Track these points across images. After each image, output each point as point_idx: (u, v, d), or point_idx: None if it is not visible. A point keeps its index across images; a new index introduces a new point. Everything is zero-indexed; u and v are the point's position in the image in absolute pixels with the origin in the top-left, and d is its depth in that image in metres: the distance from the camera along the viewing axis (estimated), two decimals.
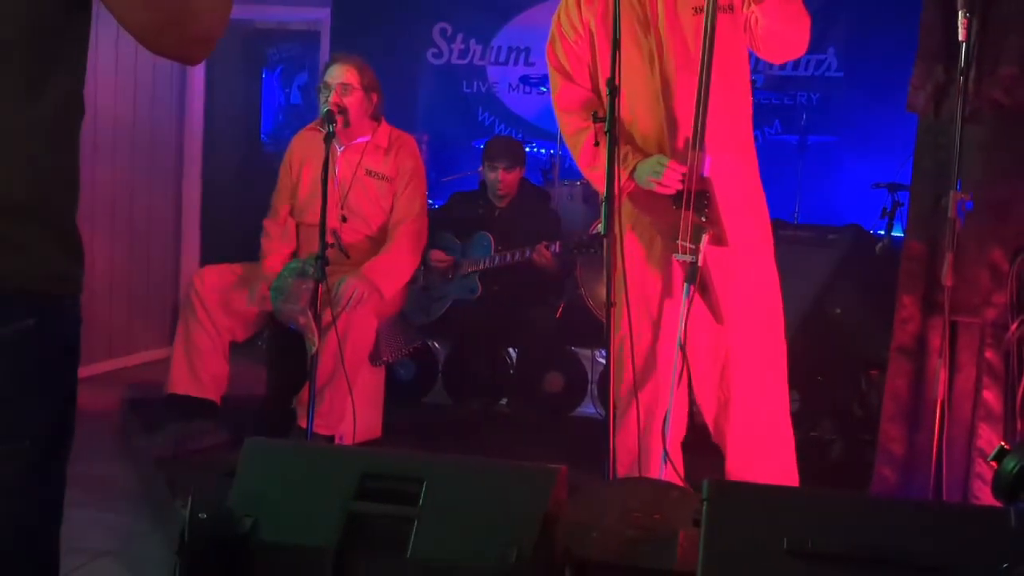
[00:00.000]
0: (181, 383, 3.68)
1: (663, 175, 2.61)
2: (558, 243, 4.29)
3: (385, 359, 3.90)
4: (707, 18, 2.53)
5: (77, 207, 1.16)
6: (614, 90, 2.50)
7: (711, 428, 2.87)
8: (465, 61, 7.00)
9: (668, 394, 2.69)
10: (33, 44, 1.07)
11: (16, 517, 1.10)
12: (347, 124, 3.73)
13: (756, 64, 6.27)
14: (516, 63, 6.93)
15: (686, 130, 2.64)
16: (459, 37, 6.98)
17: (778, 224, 4.31)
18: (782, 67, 6.46)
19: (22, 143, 1.08)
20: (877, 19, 6.18)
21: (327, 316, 3.33)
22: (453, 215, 4.77)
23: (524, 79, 6.50)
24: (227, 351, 3.76)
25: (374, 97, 3.86)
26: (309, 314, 3.21)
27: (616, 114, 2.48)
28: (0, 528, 1.09)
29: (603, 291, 2.56)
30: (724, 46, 2.62)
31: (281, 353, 3.92)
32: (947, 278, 2.54)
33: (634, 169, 2.71)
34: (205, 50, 1.18)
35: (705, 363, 2.79)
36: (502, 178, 4.60)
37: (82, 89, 1.16)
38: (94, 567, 2.67)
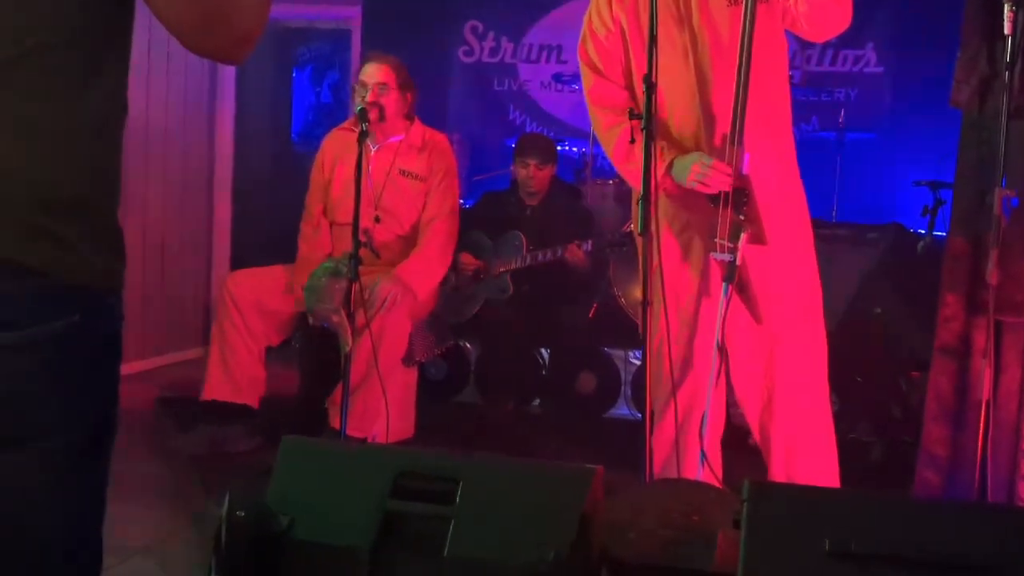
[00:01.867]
0: (218, 388, 3.72)
1: (709, 177, 2.60)
2: (590, 241, 4.29)
3: (418, 359, 3.92)
4: (746, 6, 2.52)
5: (119, 204, 1.18)
6: (651, 87, 2.50)
7: (754, 429, 2.86)
8: (496, 59, 7.01)
9: (705, 395, 2.69)
10: (79, 42, 1.09)
11: (63, 510, 1.12)
12: (383, 120, 3.76)
13: (793, 59, 6.26)
14: (548, 61, 6.93)
15: (724, 126, 2.63)
16: (490, 35, 6.99)
17: (817, 223, 4.28)
18: (819, 63, 6.43)
19: (69, 141, 1.10)
20: (917, 12, 6.12)
21: (360, 317, 3.35)
22: (484, 214, 4.78)
23: (556, 77, 6.50)
24: (263, 355, 3.79)
25: (409, 96, 3.88)
26: (343, 313, 3.23)
27: (653, 111, 2.47)
28: (47, 521, 1.11)
29: (637, 290, 2.56)
30: (761, 37, 2.60)
31: (314, 354, 3.94)
32: (992, 276, 2.51)
33: (670, 165, 2.71)
34: (248, 48, 1.19)
35: (745, 363, 2.78)
36: (534, 174, 4.60)
37: (125, 88, 1.18)
38: (129, 565, 2.71)
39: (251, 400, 3.77)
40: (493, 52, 6.99)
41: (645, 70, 2.51)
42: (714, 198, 2.62)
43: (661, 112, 2.70)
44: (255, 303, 3.76)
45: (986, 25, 2.69)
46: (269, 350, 3.89)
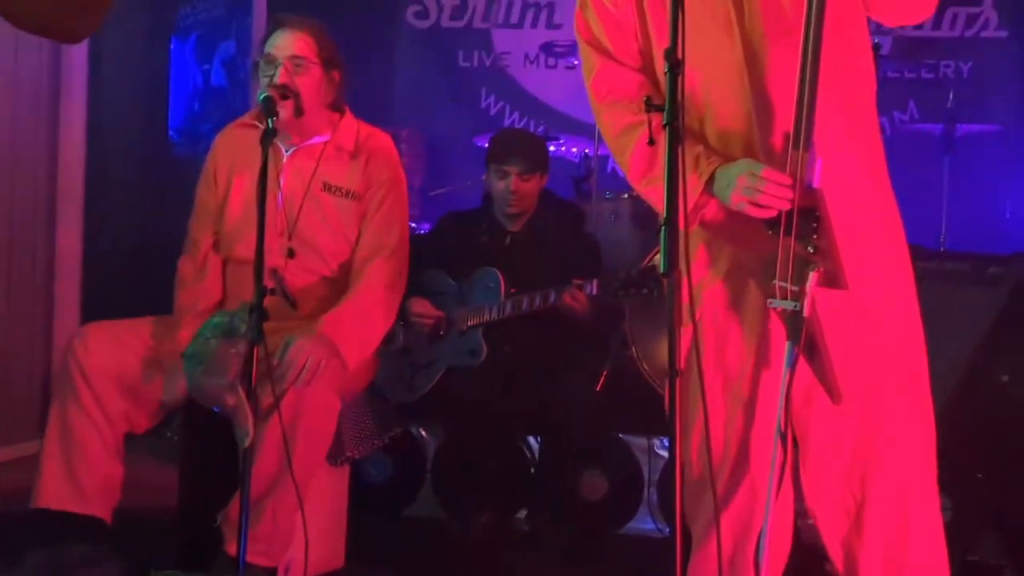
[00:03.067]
0: (54, 494, 3.66)
1: (762, 191, 2.60)
2: (596, 282, 4.30)
3: (350, 455, 3.89)
4: None
5: None
6: (676, 64, 2.49)
7: (833, 552, 2.85)
8: (462, 23, 7.09)
9: (764, 505, 2.68)
10: None
11: None
12: (299, 114, 3.76)
13: (878, 23, 6.28)
14: (535, 25, 7.01)
15: (784, 122, 2.64)
16: None
17: (918, 252, 4.29)
18: (917, 25, 6.50)
19: None
20: None
21: (267, 394, 3.32)
22: (445, 245, 4.79)
23: (546, 48, 6.57)
24: (121, 447, 3.75)
25: (336, 76, 3.89)
26: (241, 392, 3.20)
27: (681, 100, 2.47)
28: None
29: (663, 352, 2.55)
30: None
31: (200, 448, 3.90)
32: None
33: (711, 178, 2.71)
34: (92, 20, 1.18)
35: (822, 459, 2.78)
36: (515, 188, 4.63)
37: None
38: None
39: (102, 511, 3.72)
40: (457, 13, 7.07)
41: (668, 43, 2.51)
42: (772, 223, 2.62)
43: (695, 103, 2.70)
44: (114, 373, 3.73)
45: None
46: (132, 440, 3.85)
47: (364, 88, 5.59)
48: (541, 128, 6.24)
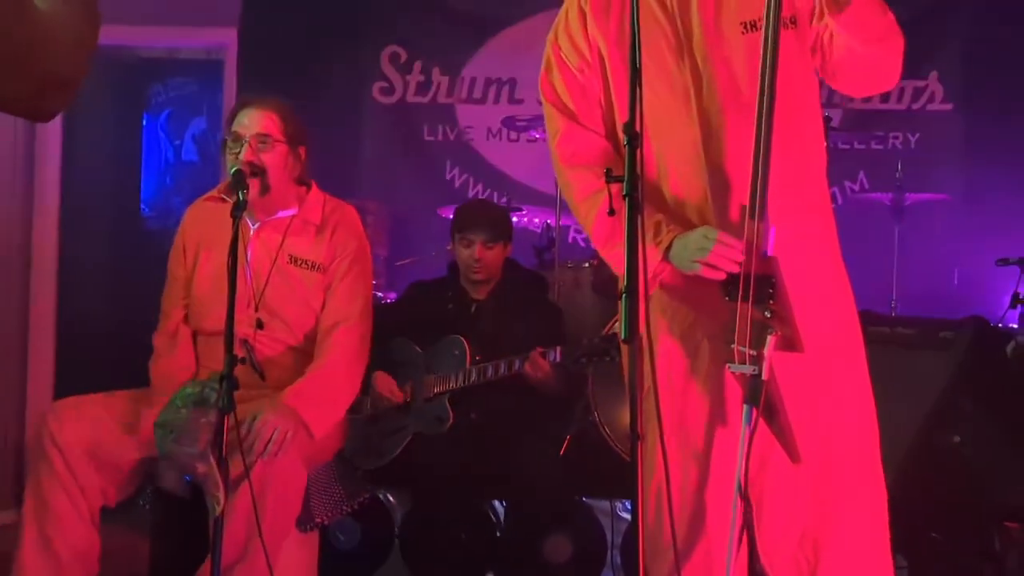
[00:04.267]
0: (33, 566, 3.62)
1: (711, 252, 2.63)
2: (559, 349, 4.31)
3: (319, 521, 3.87)
4: (767, 35, 2.57)
5: None
6: (634, 138, 2.51)
7: None
8: (426, 98, 7.13)
9: (724, 563, 2.67)
10: None
11: None
12: (265, 191, 3.77)
13: (830, 96, 6.43)
14: (497, 100, 7.06)
15: (739, 191, 2.68)
16: (417, 65, 7.12)
17: (869, 318, 4.32)
18: (866, 99, 6.59)
19: None
20: (997, 28, 6.32)
21: (237, 464, 3.30)
22: (412, 313, 4.79)
23: (508, 122, 6.59)
24: (97, 518, 3.71)
25: (302, 152, 3.91)
26: (211, 460, 3.18)
27: (640, 172, 2.50)
28: None
29: (626, 417, 2.55)
30: (787, 73, 2.65)
31: (171, 517, 3.87)
32: None
33: (670, 247, 2.74)
34: (61, 99, 1.19)
35: (778, 519, 2.78)
36: (480, 256, 4.64)
37: None
38: None
39: None
40: (421, 89, 7.10)
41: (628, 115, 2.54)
42: (730, 289, 2.64)
43: (651, 173, 2.73)
44: (87, 447, 3.69)
45: None
46: (107, 512, 3.82)
47: (331, 162, 5.64)
48: (504, 199, 6.26)
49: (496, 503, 4.72)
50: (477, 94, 7.10)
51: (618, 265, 2.79)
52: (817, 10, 2.75)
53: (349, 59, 7.03)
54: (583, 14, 2.91)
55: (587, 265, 5.56)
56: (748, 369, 2.62)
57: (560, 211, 5.77)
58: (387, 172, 7.06)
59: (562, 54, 2.93)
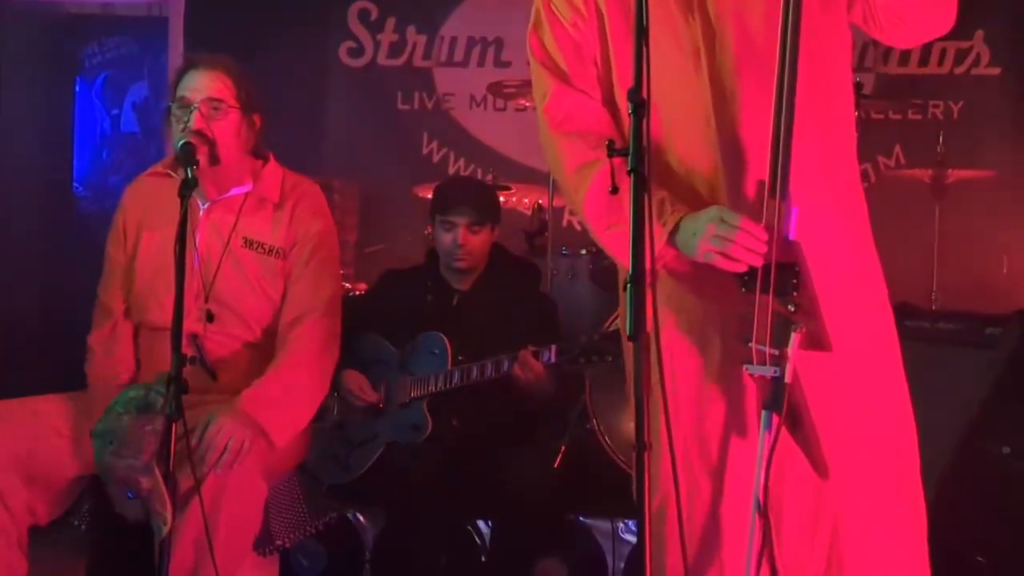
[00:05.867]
0: None
1: (734, 241, 2.61)
2: (554, 348, 4.31)
3: (280, 543, 3.88)
4: None
5: None
6: (640, 105, 2.51)
7: None
8: (400, 61, 7.13)
9: None
10: None
11: None
12: (214, 162, 3.76)
13: (861, 59, 6.42)
14: (481, 63, 7.07)
15: (756, 165, 2.68)
16: (390, 23, 7.13)
17: (907, 312, 4.36)
18: (902, 62, 6.62)
19: None
20: None
21: (186, 478, 3.31)
22: (385, 306, 4.80)
23: (494, 88, 6.60)
24: (24, 541, 3.72)
25: (257, 120, 3.90)
26: (157, 474, 3.19)
27: (647, 143, 2.50)
28: None
29: (628, 423, 2.57)
30: (812, 27, 2.65)
31: (111, 538, 3.87)
32: None
33: (676, 228, 2.74)
34: None
35: (803, 536, 2.79)
36: (464, 241, 4.64)
37: None
38: None
39: None
40: (394, 50, 7.11)
41: (632, 80, 2.52)
42: (747, 280, 2.64)
43: (656, 143, 2.73)
44: (13, 458, 3.70)
45: None
46: (36, 532, 3.82)
47: (291, 134, 5.63)
48: (489, 177, 6.25)
49: (481, 523, 4.72)
50: (458, 56, 7.11)
51: (614, 248, 2.81)
52: None
53: (312, 16, 7.04)
54: None
55: (584, 252, 5.57)
56: (768, 371, 2.62)
57: (553, 190, 5.77)
58: (355, 145, 7.06)
59: (553, 7, 2.93)
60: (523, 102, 6.21)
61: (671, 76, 2.76)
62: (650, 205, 2.44)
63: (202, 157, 3.64)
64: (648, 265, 2.41)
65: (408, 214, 6.41)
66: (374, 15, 7.09)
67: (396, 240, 6.26)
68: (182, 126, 3.77)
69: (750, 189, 2.71)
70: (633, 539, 4.45)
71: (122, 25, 7.49)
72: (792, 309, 2.61)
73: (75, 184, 7.40)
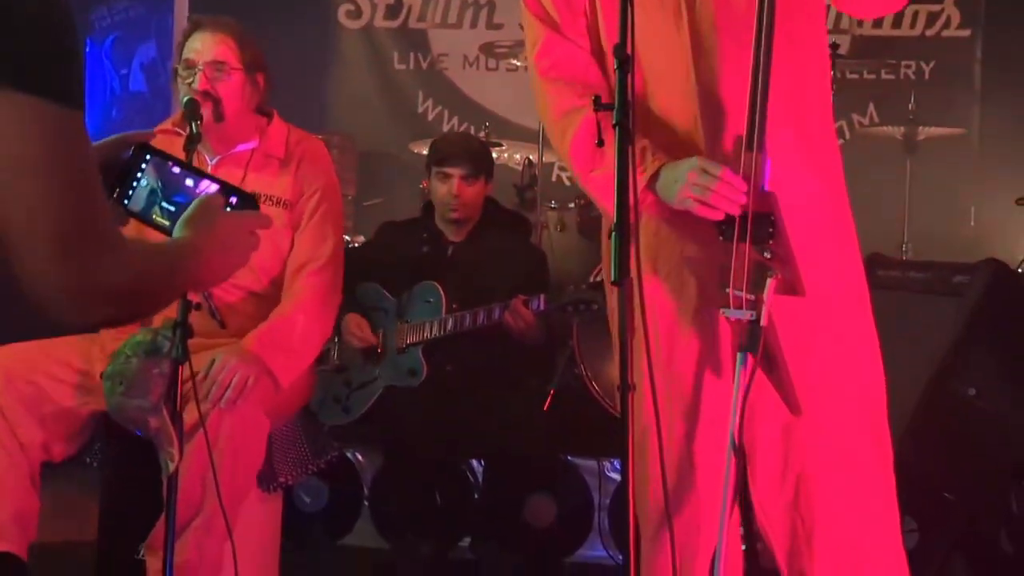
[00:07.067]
0: None
1: (714, 190, 2.62)
2: (543, 297, 4.32)
3: (283, 480, 3.88)
4: None
5: None
6: (625, 61, 2.51)
7: (784, 574, 2.87)
8: (396, 22, 7.11)
9: (716, 521, 2.70)
10: None
11: None
12: (219, 118, 3.74)
13: (836, 21, 6.42)
14: (474, 25, 7.04)
15: (733, 119, 2.68)
16: None
17: (878, 261, 4.36)
18: (876, 24, 6.60)
19: None
20: None
21: (191, 416, 3.31)
22: (382, 257, 4.79)
23: (487, 49, 6.59)
24: (37, 478, 3.71)
25: (260, 80, 3.88)
26: (164, 413, 3.19)
27: (631, 98, 2.50)
28: None
29: (613, 368, 2.57)
30: None
31: (121, 474, 3.88)
32: None
33: (656, 174, 2.74)
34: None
35: (773, 474, 2.80)
36: (458, 192, 4.64)
37: None
38: None
39: (17, 547, 3.67)
40: (391, 12, 7.08)
41: (617, 36, 2.52)
42: (724, 227, 2.65)
43: (640, 95, 2.72)
44: (26, 400, 3.69)
45: None
46: (49, 468, 3.82)
47: (292, 92, 5.61)
48: (482, 134, 6.24)
49: (474, 462, 4.73)
50: (452, 18, 7.09)
51: (597, 191, 2.82)
52: None
53: None
54: None
55: (572, 206, 5.58)
56: (745, 315, 2.62)
57: (543, 147, 5.76)
58: (354, 104, 7.06)
59: None
60: (514, 62, 6.19)
61: (654, 33, 2.75)
62: (634, 158, 2.45)
63: (206, 113, 3.63)
64: (633, 215, 2.42)
65: (404, 170, 6.41)
66: None
67: (393, 194, 6.25)
68: (187, 86, 3.75)
69: (728, 142, 2.71)
70: (618, 477, 4.46)
71: None
72: (768, 256, 2.62)
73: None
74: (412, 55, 7.09)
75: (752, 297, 2.61)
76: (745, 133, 2.61)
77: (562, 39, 2.91)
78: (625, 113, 2.44)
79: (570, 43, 2.91)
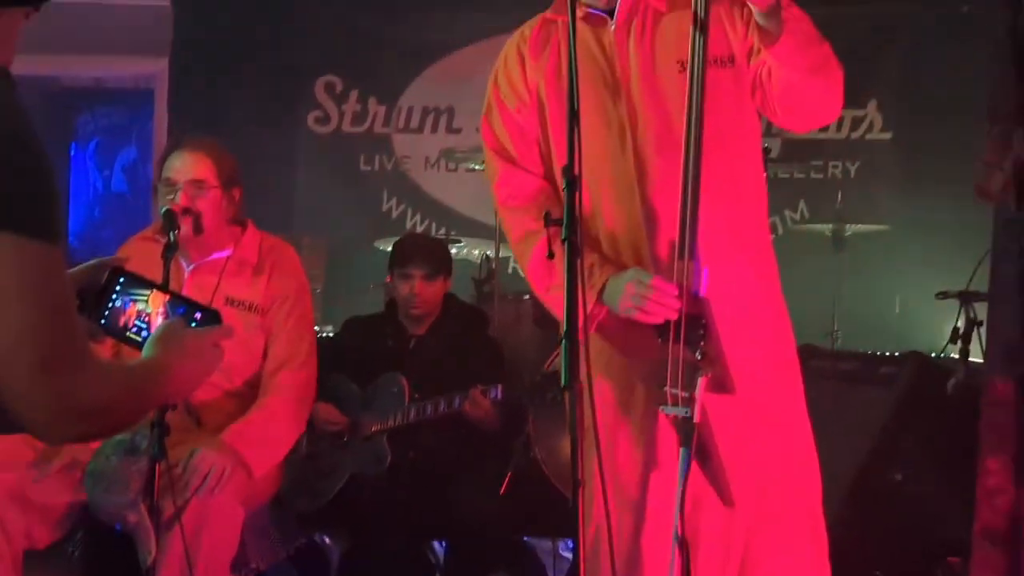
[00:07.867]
0: None
1: (648, 299, 2.69)
2: (500, 387, 4.33)
3: (254, 566, 3.87)
4: (692, 75, 2.66)
5: None
6: (573, 181, 2.54)
7: None
8: (362, 128, 7.16)
9: None
10: None
11: None
12: (198, 231, 3.77)
13: (768, 125, 6.46)
14: (435, 129, 7.10)
15: (671, 231, 2.74)
16: (353, 94, 7.15)
17: (811, 352, 4.41)
18: None
19: None
20: (936, 54, 6.43)
21: (168, 509, 3.30)
22: (349, 349, 4.80)
23: (447, 153, 6.65)
24: (20, 565, 3.68)
25: (236, 194, 3.90)
26: (142, 509, 3.18)
27: (579, 215, 2.54)
28: None
29: (566, 454, 2.59)
30: (724, 111, 2.76)
31: (100, 565, 3.84)
32: None
33: (603, 288, 2.80)
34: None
35: (716, 563, 2.82)
36: (419, 291, 4.66)
37: None
38: None
39: None
40: (358, 119, 7.14)
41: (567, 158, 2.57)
42: (662, 331, 2.71)
43: (585, 208, 2.77)
44: (11, 487, 3.67)
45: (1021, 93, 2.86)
46: (32, 557, 3.79)
47: (265, 194, 5.64)
48: (443, 231, 6.30)
49: (436, 544, 4.72)
50: (414, 123, 7.15)
51: (555, 307, 2.86)
52: (754, 47, 2.81)
53: (283, 89, 7.06)
54: (521, 56, 3.00)
55: (527, 297, 5.61)
56: (680, 411, 2.67)
57: (499, 242, 5.81)
58: (323, 203, 7.08)
59: (501, 95, 3.02)
60: (472, 165, 6.25)
61: (600, 152, 2.83)
62: (583, 271, 2.47)
63: (186, 226, 3.66)
64: (582, 324, 2.45)
65: (369, 267, 6.43)
66: (339, 88, 7.14)
67: (359, 290, 6.26)
68: (168, 202, 3.76)
69: (665, 251, 2.79)
70: (570, 556, 4.46)
71: (112, 97, 7.49)
72: (699, 357, 2.68)
73: (70, 238, 7.38)
74: (377, 157, 7.14)
75: (686, 395, 2.67)
76: (678, 242, 2.69)
77: (517, 170, 3.00)
78: (573, 229, 2.46)
79: (525, 172, 3.00)
